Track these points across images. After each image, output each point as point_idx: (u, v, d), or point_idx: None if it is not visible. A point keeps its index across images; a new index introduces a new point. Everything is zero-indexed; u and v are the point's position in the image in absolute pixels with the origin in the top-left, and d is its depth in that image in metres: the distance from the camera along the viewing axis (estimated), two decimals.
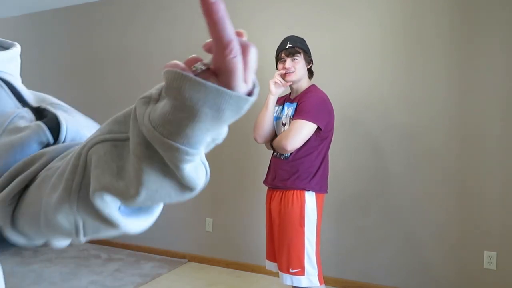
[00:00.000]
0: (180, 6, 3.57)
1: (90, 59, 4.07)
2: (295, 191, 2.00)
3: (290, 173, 2.01)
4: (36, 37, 4.38)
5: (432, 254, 2.74)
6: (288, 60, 2.04)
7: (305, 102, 1.99)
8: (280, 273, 2.04)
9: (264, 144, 2.27)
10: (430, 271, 2.74)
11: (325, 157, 2.06)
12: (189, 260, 3.59)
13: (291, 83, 2.09)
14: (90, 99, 4.06)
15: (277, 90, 2.09)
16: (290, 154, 2.02)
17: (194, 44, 3.52)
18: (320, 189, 2.05)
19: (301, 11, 3.06)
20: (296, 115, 1.99)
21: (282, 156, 2.06)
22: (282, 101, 2.17)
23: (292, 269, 1.98)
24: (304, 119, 1.94)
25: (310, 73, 2.16)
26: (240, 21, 3.32)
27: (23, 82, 0.59)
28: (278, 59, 2.11)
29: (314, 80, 2.19)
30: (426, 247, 2.76)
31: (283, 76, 2.06)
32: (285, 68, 2.05)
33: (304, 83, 2.10)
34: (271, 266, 2.18)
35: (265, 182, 2.20)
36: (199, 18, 3.45)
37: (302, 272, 1.97)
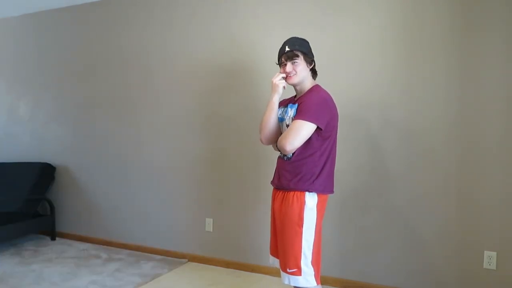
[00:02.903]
0: (178, 6, 3.57)
1: (90, 59, 4.07)
2: (296, 192, 1.99)
3: (293, 174, 2.01)
4: (36, 37, 4.38)
5: (432, 254, 2.74)
6: (289, 64, 2.04)
7: (305, 102, 1.99)
8: (281, 272, 2.05)
9: (267, 145, 2.27)
10: (430, 271, 2.74)
11: (329, 157, 2.04)
12: (189, 260, 3.59)
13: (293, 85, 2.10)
14: (90, 99, 4.05)
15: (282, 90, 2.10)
16: (293, 155, 2.01)
17: (192, 44, 3.52)
18: (324, 189, 2.03)
19: (301, 11, 3.06)
20: (296, 115, 1.98)
21: (285, 157, 2.05)
22: (286, 103, 2.17)
23: (289, 269, 1.98)
24: (303, 119, 1.93)
25: (314, 73, 2.15)
26: (240, 21, 3.32)
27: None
28: (280, 63, 2.11)
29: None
30: (426, 247, 2.75)
31: (285, 78, 2.07)
32: (286, 72, 2.05)
33: (307, 84, 2.09)
34: (274, 261, 2.18)
35: (272, 182, 2.21)
36: (197, 19, 3.47)
37: (298, 272, 1.96)
